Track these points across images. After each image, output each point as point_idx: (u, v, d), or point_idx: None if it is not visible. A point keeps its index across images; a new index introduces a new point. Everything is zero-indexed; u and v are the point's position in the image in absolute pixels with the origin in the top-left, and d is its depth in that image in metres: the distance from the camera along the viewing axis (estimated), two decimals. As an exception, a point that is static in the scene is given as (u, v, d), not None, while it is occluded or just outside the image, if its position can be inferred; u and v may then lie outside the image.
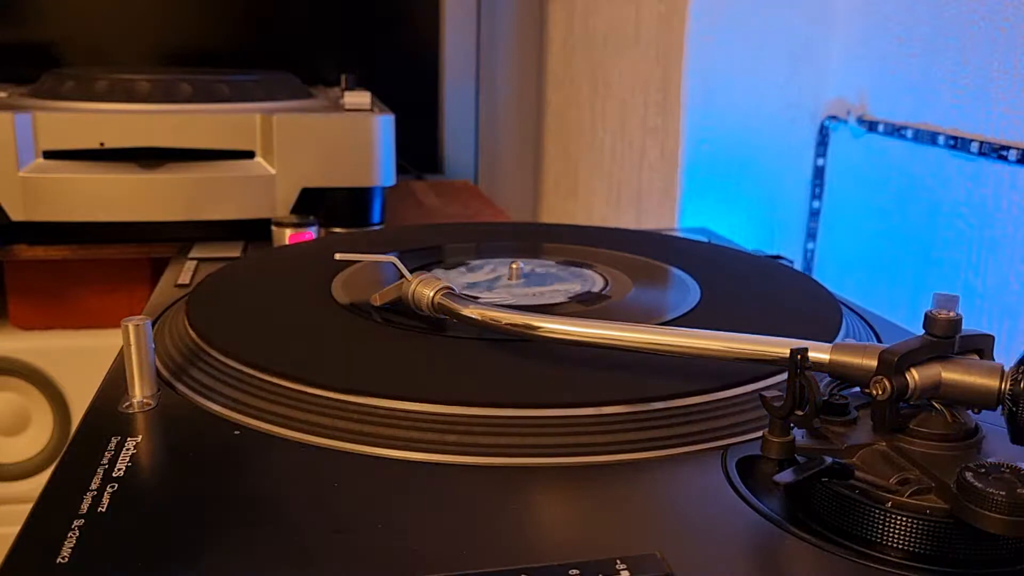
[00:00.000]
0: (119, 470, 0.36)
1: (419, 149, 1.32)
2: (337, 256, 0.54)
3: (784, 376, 0.40)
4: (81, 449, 0.38)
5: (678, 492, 0.36)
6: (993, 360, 0.35)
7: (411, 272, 0.51)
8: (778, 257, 0.71)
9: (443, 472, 0.37)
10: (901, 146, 0.85)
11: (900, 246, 0.86)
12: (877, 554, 0.32)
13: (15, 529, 0.32)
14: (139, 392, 0.42)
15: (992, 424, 0.35)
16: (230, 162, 0.81)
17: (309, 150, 0.82)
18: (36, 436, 0.83)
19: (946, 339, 0.35)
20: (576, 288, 0.57)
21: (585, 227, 0.76)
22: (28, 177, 0.77)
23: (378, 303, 0.52)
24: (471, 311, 0.47)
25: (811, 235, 0.98)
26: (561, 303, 0.54)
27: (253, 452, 0.38)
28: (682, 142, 0.93)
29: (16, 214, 0.77)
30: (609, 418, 0.40)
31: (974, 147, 0.75)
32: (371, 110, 0.85)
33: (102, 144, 0.79)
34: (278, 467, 0.37)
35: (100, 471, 0.36)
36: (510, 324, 0.45)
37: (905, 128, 0.84)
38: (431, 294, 0.48)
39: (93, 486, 0.35)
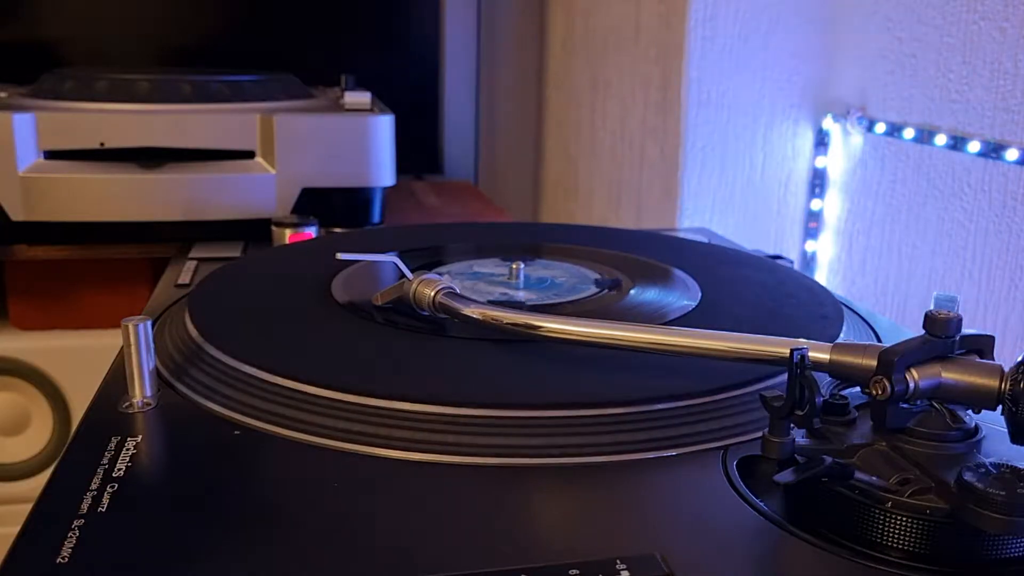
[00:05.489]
0: (119, 470, 0.36)
1: (419, 149, 1.32)
2: (338, 256, 0.54)
3: (784, 376, 0.40)
4: (81, 449, 0.38)
5: (678, 492, 0.36)
6: (993, 360, 0.35)
7: (412, 272, 0.51)
8: (778, 257, 0.71)
9: (443, 472, 0.37)
10: (901, 146, 0.85)
11: (900, 246, 0.86)
12: (877, 554, 0.32)
13: (15, 529, 0.32)
14: (139, 392, 0.42)
15: (992, 424, 0.35)
16: (230, 162, 0.81)
17: (309, 150, 0.82)
18: (36, 436, 0.83)
19: (946, 339, 0.35)
20: (578, 287, 0.57)
21: (585, 227, 0.77)
22: (28, 177, 0.77)
23: (379, 303, 0.52)
24: (472, 311, 0.47)
25: (811, 235, 0.98)
26: (563, 303, 0.54)
27: (253, 452, 0.38)
28: (682, 142, 0.93)
29: (16, 214, 0.77)
30: (609, 418, 0.39)
31: (974, 147, 0.75)
32: (371, 110, 0.85)
33: (102, 144, 0.79)
34: (278, 467, 0.37)
35: (100, 471, 0.36)
36: (511, 324, 0.45)
37: (905, 128, 0.84)
38: (432, 294, 0.48)
39: (93, 486, 0.35)
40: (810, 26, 0.93)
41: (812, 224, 0.98)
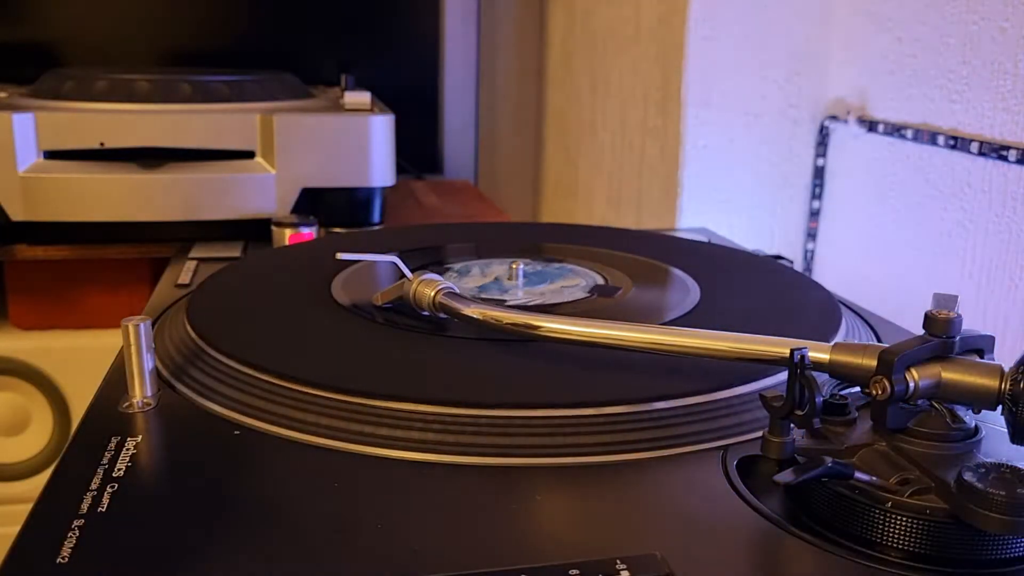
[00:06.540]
0: (119, 470, 0.36)
1: (419, 149, 1.32)
2: (338, 256, 0.54)
3: (784, 376, 0.40)
4: (81, 449, 0.38)
5: (678, 492, 0.36)
6: (993, 360, 0.35)
7: (412, 272, 0.51)
8: (778, 257, 0.71)
9: (443, 472, 0.37)
10: (901, 146, 0.85)
11: (900, 246, 0.86)
12: (877, 554, 0.32)
13: (15, 529, 0.32)
14: (139, 392, 0.42)
15: (992, 424, 0.35)
16: (230, 162, 0.81)
17: (309, 150, 0.82)
18: (36, 436, 0.83)
19: (946, 339, 0.35)
20: (578, 287, 0.57)
21: (585, 227, 0.77)
22: (28, 177, 0.77)
23: (379, 303, 0.52)
24: (472, 311, 0.47)
25: (811, 235, 0.98)
26: (562, 303, 0.54)
27: (253, 452, 0.38)
28: (682, 142, 0.93)
29: (16, 214, 0.77)
30: (609, 418, 0.40)
31: (974, 147, 0.75)
32: (371, 110, 0.85)
33: (102, 144, 0.79)
34: (278, 467, 0.37)
35: (100, 471, 0.36)
36: (511, 324, 0.45)
37: (905, 128, 0.84)
38: (432, 294, 0.48)
39: (93, 486, 0.35)
40: (810, 26, 0.93)
41: (812, 224, 0.98)
